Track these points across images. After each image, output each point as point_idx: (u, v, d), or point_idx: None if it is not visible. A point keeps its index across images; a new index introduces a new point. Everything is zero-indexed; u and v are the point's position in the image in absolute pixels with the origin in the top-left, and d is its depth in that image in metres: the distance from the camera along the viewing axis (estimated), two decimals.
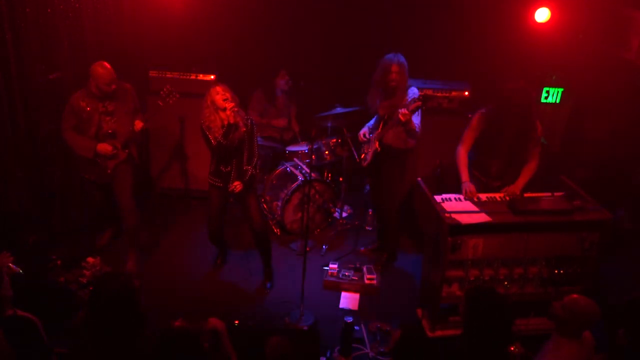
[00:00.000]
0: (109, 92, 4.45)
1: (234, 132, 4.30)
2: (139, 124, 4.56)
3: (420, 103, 4.19)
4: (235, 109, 4.25)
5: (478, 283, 4.03)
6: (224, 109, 4.23)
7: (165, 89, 4.63)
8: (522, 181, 4.32)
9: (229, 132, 4.28)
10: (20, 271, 3.72)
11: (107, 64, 4.39)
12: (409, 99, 4.40)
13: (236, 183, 4.42)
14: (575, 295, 3.05)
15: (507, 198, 4.21)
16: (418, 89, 4.63)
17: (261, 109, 5.98)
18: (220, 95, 4.25)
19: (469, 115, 5.47)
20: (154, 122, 4.90)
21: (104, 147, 4.51)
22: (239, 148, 4.39)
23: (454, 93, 5.58)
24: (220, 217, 4.67)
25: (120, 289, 2.69)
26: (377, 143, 4.65)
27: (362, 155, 4.88)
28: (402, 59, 4.44)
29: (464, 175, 4.37)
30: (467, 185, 4.30)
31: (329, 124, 5.60)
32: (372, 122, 4.84)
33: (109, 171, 4.61)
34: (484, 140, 4.37)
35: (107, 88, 4.41)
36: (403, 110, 4.24)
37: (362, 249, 5.35)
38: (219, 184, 4.49)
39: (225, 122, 4.25)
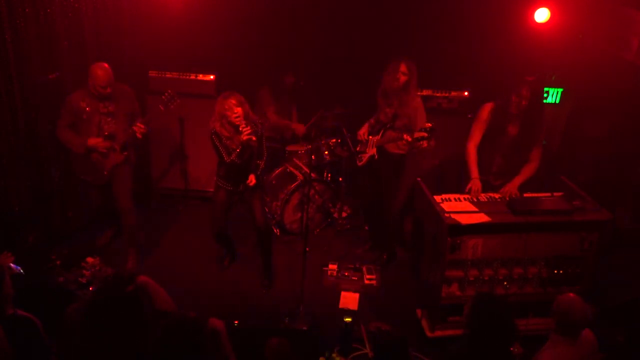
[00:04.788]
0: (104, 94, 4.43)
1: (248, 150, 4.29)
2: (140, 129, 4.50)
3: (425, 135, 4.13)
4: (249, 130, 4.17)
5: (478, 284, 4.04)
6: (239, 130, 4.17)
7: (167, 94, 4.61)
8: (519, 180, 4.33)
9: (244, 153, 4.27)
10: (21, 271, 3.73)
11: (106, 65, 4.38)
12: (415, 102, 4.47)
13: (251, 176, 4.42)
14: (571, 295, 3.06)
15: (507, 198, 4.21)
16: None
17: (267, 107, 5.95)
18: (232, 112, 4.18)
19: (469, 116, 5.50)
20: (154, 123, 4.89)
21: (95, 140, 4.47)
22: (250, 157, 4.39)
23: (453, 93, 5.58)
24: (224, 217, 4.66)
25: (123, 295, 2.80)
26: (374, 150, 4.65)
27: (359, 155, 4.87)
28: (411, 61, 4.43)
29: (474, 171, 4.38)
30: (476, 182, 4.30)
31: (329, 124, 5.60)
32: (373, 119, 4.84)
33: (105, 172, 4.60)
34: (489, 135, 4.38)
35: (103, 90, 4.39)
36: (407, 137, 4.27)
37: (358, 250, 5.34)
38: (227, 187, 4.49)
39: (241, 143, 4.21)
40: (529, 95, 4.12)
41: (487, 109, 4.38)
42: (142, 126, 4.52)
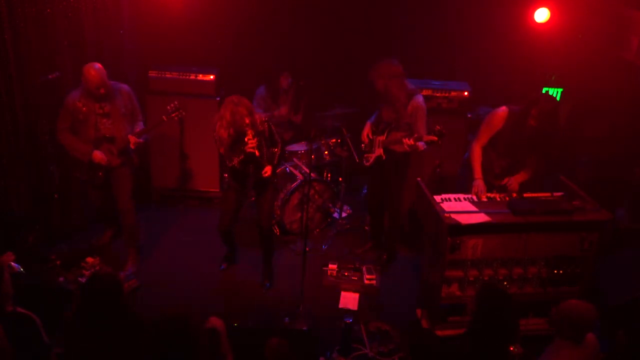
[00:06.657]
0: (98, 95, 4.35)
1: (251, 161, 4.26)
2: (132, 139, 4.45)
3: (436, 139, 4.15)
4: (254, 143, 4.11)
5: (478, 284, 4.03)
6: (245, 140, 4.11)
7: (173, 105, 4.56)
8: (519, 178, 4.33)
9: (246, 161, 4.24)
10: (22, 270, 3.73)
11: (99, 65, 4.31)
12: (414, 102, 4.47)
13: (267, 167, 4.35)
14: (572, 301, 3.05)
15: (507, 198, 4.21)
16: (418, 89, 4.67)
17: (265, 105, 5.97)
18: (243, 122, 4.09)
19: (469, 116, 5.50)
20: (154, 131, 4.86)
21: (99, 156, 4.43)
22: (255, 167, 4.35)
23: (453, 93, 5.58)
24: (233, 217, 4.62)
25: (105, 288, 2.81)
26: (381, 150, 4.65)
27: (365, 155, 4.88)
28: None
29: (477, 172, 4.34)
30: (479, 182, 4.29)
31: (329, 124, 5.60)
32: (373, 118, 4.83)
33: (100, 173, 4.56)
34: (498, 139, 4.32)
35: (96, 92, 4.32)
36: (410, 141, 4.30)
37: (359, 250, 5.34)
38: (236, 187, 4.48)
39: (245, 153, 4.17)
40: (540, 116, 4.03)
41: (501, 115, 4.24)
42: (140, 140, 4.49)
